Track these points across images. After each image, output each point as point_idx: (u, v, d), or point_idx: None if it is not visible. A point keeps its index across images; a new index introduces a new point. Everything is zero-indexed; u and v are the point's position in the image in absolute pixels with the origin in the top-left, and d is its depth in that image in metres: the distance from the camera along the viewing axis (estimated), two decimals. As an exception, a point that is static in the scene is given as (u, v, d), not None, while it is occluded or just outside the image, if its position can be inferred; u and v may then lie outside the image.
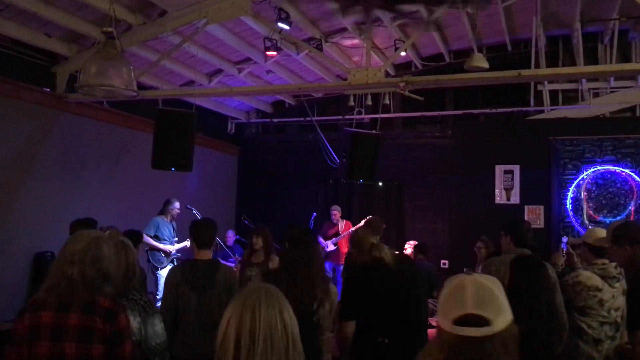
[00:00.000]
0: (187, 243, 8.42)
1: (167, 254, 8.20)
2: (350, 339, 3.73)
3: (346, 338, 3.70)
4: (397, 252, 5.24)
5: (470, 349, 1.64)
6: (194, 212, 8.51)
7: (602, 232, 4.10)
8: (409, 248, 8.46)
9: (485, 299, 1.69)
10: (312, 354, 3.39)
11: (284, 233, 3.91)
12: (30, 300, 2.70)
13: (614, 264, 3.96)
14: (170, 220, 8.34)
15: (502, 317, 1.68)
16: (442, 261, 10.04)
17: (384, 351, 3.62)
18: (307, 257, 3.51)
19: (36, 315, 2.57)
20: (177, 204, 8.33)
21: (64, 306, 2.56)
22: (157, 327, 3.11)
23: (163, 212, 8.29)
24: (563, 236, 5.07)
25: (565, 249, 4.51)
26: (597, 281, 3.85)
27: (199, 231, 4.09)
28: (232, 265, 8.66)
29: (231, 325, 1.84)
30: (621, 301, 3.90)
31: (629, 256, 3.53)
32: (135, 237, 4.66)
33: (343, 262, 7.91)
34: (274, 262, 5.19)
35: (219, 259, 4.89)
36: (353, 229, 9.59)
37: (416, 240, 8.98)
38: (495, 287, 1.73)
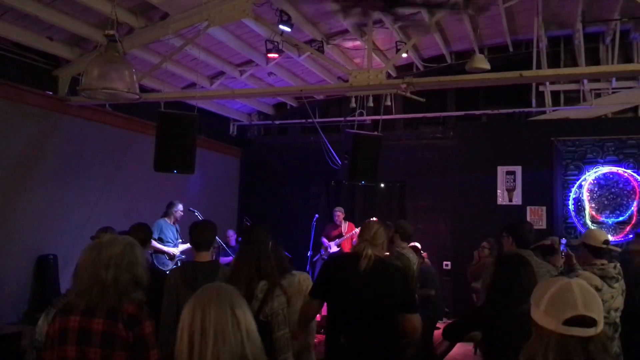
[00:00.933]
0: (189, 245, 8.44)
1: (172, 256, 8.21)
2: (311, 316, 3.80)
3: (305, 313, 3.74)
4: (398, 252, 5.22)
5: (578, 348, 1.74)
6: (197, 214, 8.52)
7: (601, 233, 4.13)
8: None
9: (592, 301, 1.80)
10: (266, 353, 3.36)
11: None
12: (60, 303, 2.73)
13: (612, 264, 3.99)
14: (174, 223, 8.35)
15: (602, 319, 1.79)
16: (445, 262, 10.05)
17: (341, 350, 3.58)
18: (240, 256, 3.51)
19: (66, 319, 2.58)
20: (180, 206, 8.34)
21: (90, 310, 2.56)
22: None
23: (166, 214, 8.30)
24: (562, 238, 5.07)
25: (564, 251, 4.51)
26: (597, 281, 3.86)
27: (197, 233, 4.07)
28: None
29: (184, 325, 1.92)
30: (620, 302, 3.92)
31: None
32: (146, 231, 4.52)
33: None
34: None
35: (219, 260, 4.88)
36: (357, 229, 9.63)
37: (418, 242, 9.00)
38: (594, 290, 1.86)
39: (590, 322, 1.75)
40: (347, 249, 9.59)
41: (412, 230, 5.74)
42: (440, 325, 8.47)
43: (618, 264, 4.03)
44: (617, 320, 3.89)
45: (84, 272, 2.64)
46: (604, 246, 4.04)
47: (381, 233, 3.73)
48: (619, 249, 4.36)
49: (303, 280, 4.13)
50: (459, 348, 8.11)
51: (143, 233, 4.37)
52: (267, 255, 3.47)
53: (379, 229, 3.74)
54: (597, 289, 3.84)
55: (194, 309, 1.94)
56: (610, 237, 4.74)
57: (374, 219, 9.35)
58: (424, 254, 8.79)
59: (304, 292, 3.94)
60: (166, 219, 8.29)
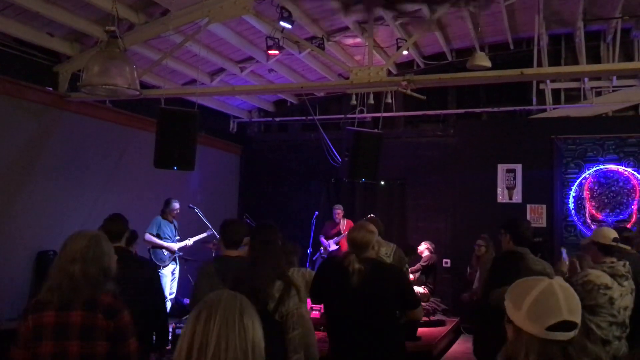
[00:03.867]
0: (187, 242, 8.48)
1: (172, 252, 8.25)
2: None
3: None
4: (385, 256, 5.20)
5: (558, 352, 1.74)
6: (197, 211, 8.54)
7: (610, 231, 4.13)
8: (423, 244, 8.62)
9: (574, 304, 1.78)
10: (278, 352, 3.35)
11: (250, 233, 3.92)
12: (32, 300, 2.71)
13: (622, 262, 3.98)
14: (171, 220, 8.37)
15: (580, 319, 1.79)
16: (445, 260, 10.05)
17: (345, 353, 3.61)
18: (254, 255, 3.51)
19: (39, 315, 2.58)
20: (175, 204, 8.36)
21: (65, 305, 2.57)
22: None
23: (163, 212, 8.33)
24: (562, 247, 5.08)
25: (566, 259, 4.52)
26: (606, 279, 3.86)
27: (231, 231, 4.07)
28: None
29: (186, 331, 1.79)
30: (629, 300, 3.91)
31: None
32: (121, 223, 4.35)
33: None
34: None
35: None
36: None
37: (417, 240, 9.02)
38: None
39: (572, 326, 1.75)
40: (345, 247, 9.59)
41: (381, 224, 5.51)
42: (434, 318, 8.56)
43: (627, 263, 4.02)
44: (627, 320, 3.88)
45: (52, 268, 2.66)
46: (614, 244, 4.04)
47: (368, 238, 3.67)
48: (629, 248, 4.34)
49: (309, 274, 4.26)
50: (459, 346, 8.13)
51: (117, 225, 4.28)
52: (280, 255, 3.50)
53: (366, 235, 3.66)
54: (607, 287, 3.83)
55: (198, 315, 1.82)
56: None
57: (371, 215, 9.39)
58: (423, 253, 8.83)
59: (309, 284, 4.01)
60: (163, 216, 8.31)
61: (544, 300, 1.77)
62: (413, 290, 4.21)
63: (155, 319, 4.17)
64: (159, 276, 4.63)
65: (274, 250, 3.51)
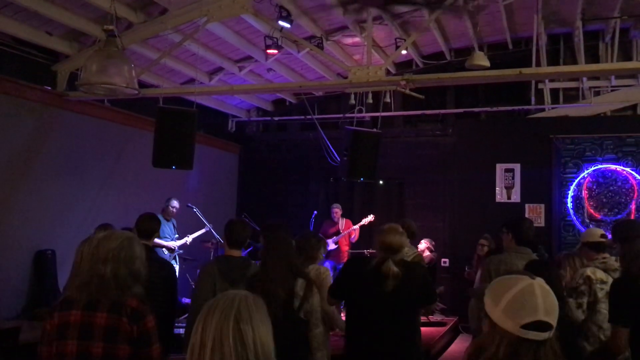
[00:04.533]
0: (186, 240, 8.48)
1: (172, 250, 8.24)
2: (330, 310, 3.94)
3: (330, 311, 3.91)
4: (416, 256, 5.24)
5: (530, 350, 1.76)
6: (195, 210, 8.53)
7: (596, 229, 4.35)
8: (422, 244, 8.57)
9: (552, 306, 1.80)
10: (302, 350, 3.40)
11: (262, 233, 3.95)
12: (60, 298, 2.70)
13: (614, 257, 4.03)
14: (169, 219, 8.37)
15: (555, 324, 1.80)
16: (443, 259, 10.05)
17: (364, 353, 3.64)
18: (275, 255, 3.52)
19: (66, 313, 2.57)
20: (174, 203, 8.36)
21: (92, 305, 2.56)
22: None
23: (162, 210, 8.32)
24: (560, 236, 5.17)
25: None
26: (602, 274, 3.97)
27: (235, 232, 4.10)
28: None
29: (194, 333, 1.81)
30: None
31: (622, 253, 3.64)
32: (154, 222, 4.48)
33: (343, 261, 7.92)
34: None
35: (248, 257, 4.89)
36: (355, 226, 9.63)
37: (429, 238, 8.99)
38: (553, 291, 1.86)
39: (547, 327, 1.76)
40: (344, 246, 9.60)
41: (416, 228, 5.74)
42: (433, 319, 8.56)
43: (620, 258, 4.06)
44: None
45: (83, 267, 2.64)
46: (602, 239, 4.16)
47: (402, 241, 3.71)
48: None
49: (323, 271, 4.28)
50: (458, 345, 8.13)
51: (150, 224, 4.39)
52: (293, 253, 3.52)
53: (400, 238, 3.68)
54: (603, 282, 3.89)
55: (200, 318, 1.84)
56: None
57: (371, 216, 9.32)
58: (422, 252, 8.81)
59: (323, 283, 4.04)
60: (162, 214, 8.30)
61: (522, 298, 1.79)
62: (432, 284, 4.27)
63: (162, 321, 4.18)
64: (176, 278, 4.63)
65: (286, 249, 3.54)
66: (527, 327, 1.75)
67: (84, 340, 2.53)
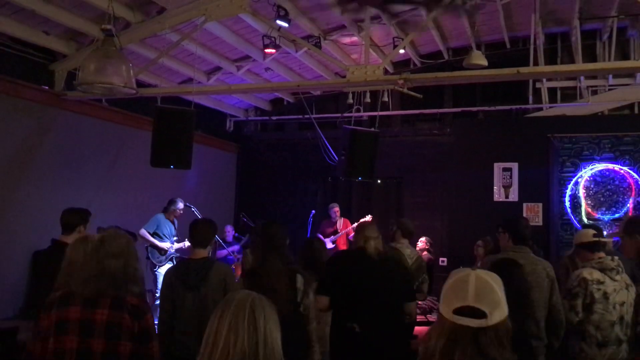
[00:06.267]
0: (186, 243, 8.43)
1: (164, 251, 8.16)
2: (324, 309, 3.99)
3: (319, 311, 3.95)
4: (389, 247, 5.34)
5: (466, 337, 1.81)
6: (193, 209, 8.52)
7: (588, 230, 4.29)
8: (420, 243, 8.56)
9: (485, 293, 1.86)
10: (302, 344, 3.46)
11: (258, 231, 4.01)
12: (57, 293, 2.69)
13: (609, 257, 4.02)
14: (172, 220, 8.34)
15: (498, 311, 1.84)
16: (441, 258, 10.05)
17: (355, 338, 3.74)
18: (274, 251, 3.59)
19: (65, 310, 2.58)
20: (180, 204, 8.31)
21: (92, 302, 2.57)
22: None
23: (165, 210, 8.30)
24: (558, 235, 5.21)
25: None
26: (598, 274, 3.93)
27: (197, 231, 4.12)
28: (232, 262, 8.67)
29: (211, 326, 1.93)
30: (624, 295, 3.92)
31: (638, 247, 3.62)
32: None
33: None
34: None
35: (217, 257, 4.92)
36: (353, 225, 9.62)
37: (428, 237, 8.98)
38: (495, 283, 1.90)
39: (479, 314, 1.82)
40: (342, 245, 9.60)
41: (413, 227, 5.94)
42: (431, 318, 8.57)
43: (617, 257, 4.05)
44: (627, 317, 3.88)
45: (87, 262, 2.65)
46: (596, 239, 4.12)
47: (376, 230, 4.05)
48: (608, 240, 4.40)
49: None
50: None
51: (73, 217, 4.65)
52: (287, 251, 3.59)
53: (374, 227, 4.06)
54: (600, 282, 3.88)
55: (217, 312, 1.96)
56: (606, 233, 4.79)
57: (369, 217, 9.35)
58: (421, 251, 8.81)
59: None
60: (165, 214, 8.28)
61: (455, 286, 1.90)
62: (413, 285, 4.60)
63: None
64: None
65: (282, 245, 3.61)
66: (458, 312, 1.83)
67: (85, 337, 2.53)
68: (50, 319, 2.58)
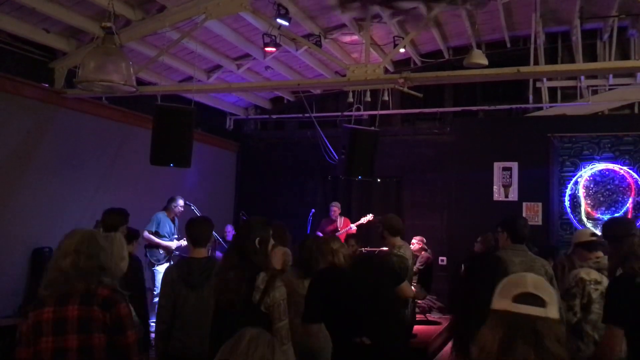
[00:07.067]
0: (184, 242, 8.41)
1: (170, 252, 8.14)
2: (318, 338, 3.98)
3: (314, 338, 3.97)
4: (361, 252, 5.30)
5: (527, 327, 1.81)
6: (193, 208, 8.51)
7: (586, 230, 4.31)
8: (415, 244, 8.52)
9: (542, 286, 1.91)
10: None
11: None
12: (35, 299, 2.73)
13: (606, 256, 4.02)
14: (172, 218, 8.33)
15: (554, 306, 1.87)
16: (440, 258, 10.06)
17: (365, 351, 3.66)
18: (237, 248, 3.49)
19: (39, 312, 2.60)
20: (180, 202, 8.30)
21: (63, 300, 2.59)
22: None
23: (166, 208, 8.29)
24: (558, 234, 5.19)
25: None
26: (595, 274, 3.94)
27: (194, 229, 4.08)
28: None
29: None
30: None
31: (610, 253, 3.64)
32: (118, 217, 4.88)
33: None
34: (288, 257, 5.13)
35: (215, 257, 4.91)
36: (353, 225, 9.63)
37: (421, 236, 8.95)
38: (547, 284, 1.99)
39: (541, 302, 1.84)
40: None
41: (401, 224, 5.46)
42: (431, 318, 8.58)
43: None
44: None
45: (49, 264, 2.70)
46: (593, 238, 4.16)
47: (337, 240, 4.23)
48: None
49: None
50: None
51: (115, 218, 4.72)
52: (252, 246, 3.43)
53: (334, 238, 4.30)
54: (597, 282, 3.88)
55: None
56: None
57: (370, 215, 9.33)
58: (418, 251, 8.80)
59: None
60: (165, 212, 8.27)
61: (511, 280, 1.98)
62: (397, 270, 4.61)
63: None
64: (140, 272, 4.74)
65: (242, 241, 3.47)
66: (518, 300, 1.85)
67: (59, 336, 2.55)
68: (29, 323, 2.60)
